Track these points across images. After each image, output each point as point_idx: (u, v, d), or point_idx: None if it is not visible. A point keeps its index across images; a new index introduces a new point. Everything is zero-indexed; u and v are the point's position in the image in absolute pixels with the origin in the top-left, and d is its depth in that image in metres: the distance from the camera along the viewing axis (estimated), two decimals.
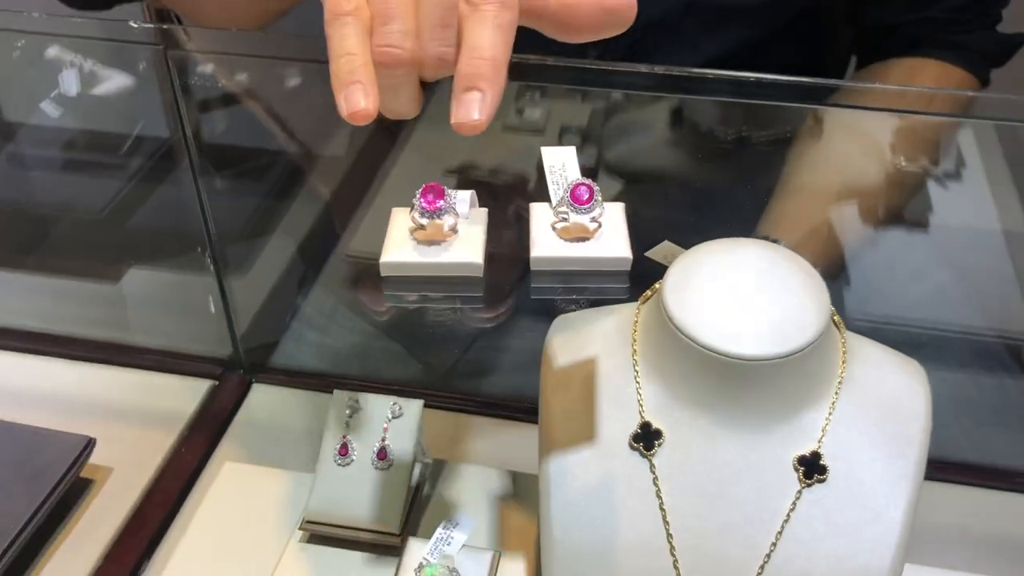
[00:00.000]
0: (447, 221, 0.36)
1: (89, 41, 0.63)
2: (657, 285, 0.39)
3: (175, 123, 0.50)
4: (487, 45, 0.29)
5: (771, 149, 0.57)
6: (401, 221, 0.38)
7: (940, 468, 0.50)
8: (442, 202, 0.36)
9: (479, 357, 0.58)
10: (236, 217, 0.66)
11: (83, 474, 0.55)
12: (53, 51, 0.71)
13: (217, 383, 0.62)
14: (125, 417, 0.59)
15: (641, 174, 0.57)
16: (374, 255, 0.39)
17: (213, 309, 0.59)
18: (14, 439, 0.55)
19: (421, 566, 0.41)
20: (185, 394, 0.61)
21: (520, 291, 0.47)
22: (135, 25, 0.48)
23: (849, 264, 0.61)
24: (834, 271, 0.61)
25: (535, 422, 0.41)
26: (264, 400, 0.61)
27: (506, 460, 0.52)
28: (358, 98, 0.29)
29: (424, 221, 0.36)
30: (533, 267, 0.39)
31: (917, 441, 0.38)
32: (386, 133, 0.69)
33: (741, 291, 0.37)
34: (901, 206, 0.64)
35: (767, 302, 0.37)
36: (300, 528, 0.47)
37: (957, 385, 0.57)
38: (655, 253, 0.41)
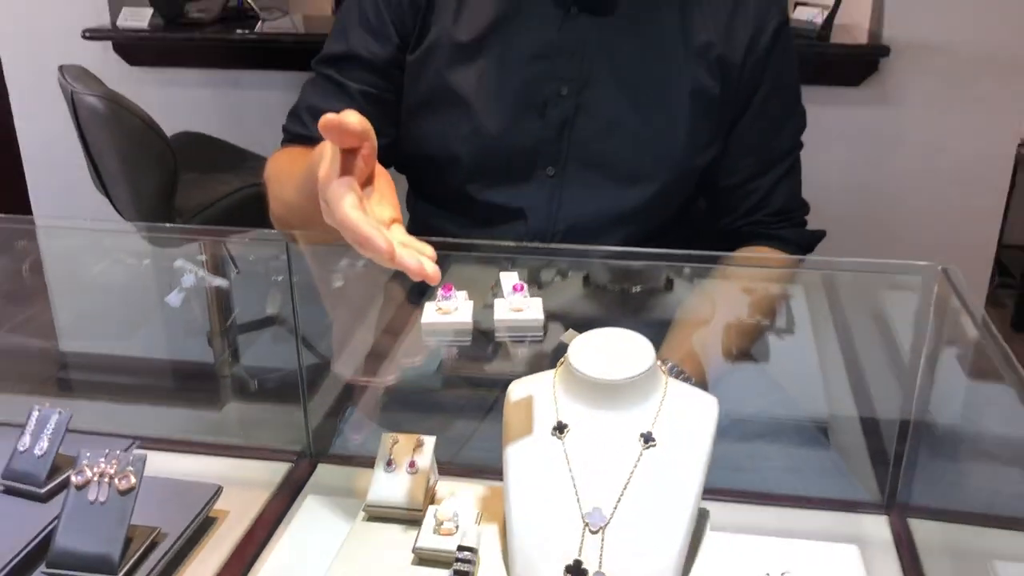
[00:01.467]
0: (452, 304, 0.71)
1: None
2: (567, 355, 0.72)
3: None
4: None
5: (653, 298, 0.93)
6: (429, 306, 0.74)
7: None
8: (452, 292, 0.70)
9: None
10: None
11: (211, 513, 0.85)
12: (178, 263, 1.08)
13: (293, 464, 0.93)
14: (236, 484, 0.90)
15: (566, 310, 0.91)
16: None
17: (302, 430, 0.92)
18: (173, 486, 0.85)
19: None
20: (275, 469, 0.92)
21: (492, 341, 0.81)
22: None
23: (711, 377, 0.95)
24: (703, 380, 0.94)
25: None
26: (325, 473, 0.92)
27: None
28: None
29: (443, 304, 0.71)
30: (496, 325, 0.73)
31: (706, 432, 0.70)
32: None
33: (608, 348, 0.71)
34: (747, 339, 0.99)
35: (621, 353, 0.70)
36: (364, 511, 0.77)
37: (775, 445, 0.89)
38: (566, 336, 0.74)
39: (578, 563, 0.66)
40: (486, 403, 0.92)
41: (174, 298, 1.11)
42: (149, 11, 2.23)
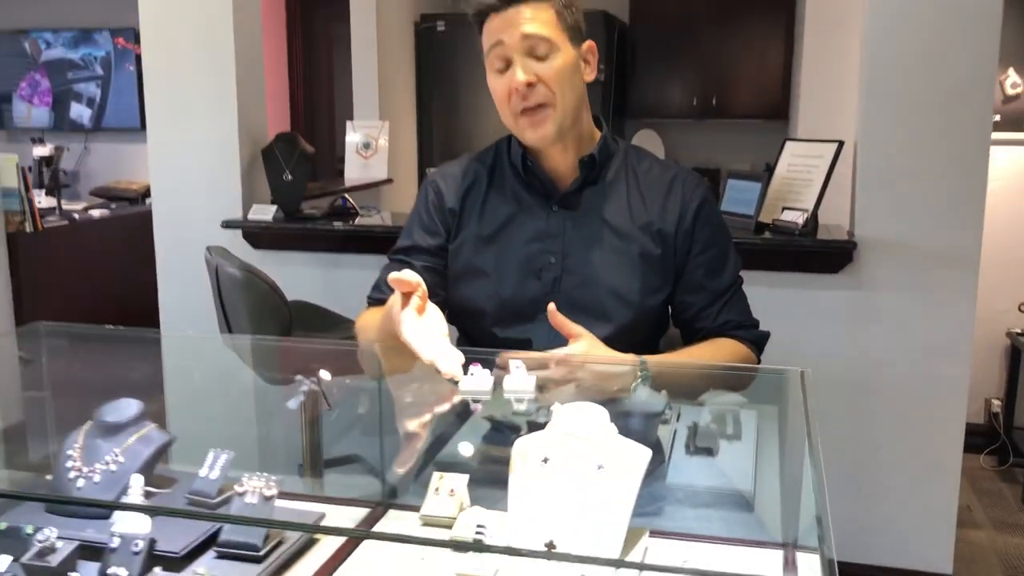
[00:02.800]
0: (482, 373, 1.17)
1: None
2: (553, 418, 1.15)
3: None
4: None
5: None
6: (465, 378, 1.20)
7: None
8: (478, 367, 1.16)
9: None
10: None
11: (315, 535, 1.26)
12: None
13: (370, 510, 1.34)
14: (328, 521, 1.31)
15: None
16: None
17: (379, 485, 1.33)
18: (296, 513, 1.27)
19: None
20: (357, 513, 1.33)
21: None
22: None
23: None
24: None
25: None
26: (394, 515, 1.33)
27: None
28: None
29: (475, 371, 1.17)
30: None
31: (639, 467, 1.11)
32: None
33: (577, 415, 1.14)
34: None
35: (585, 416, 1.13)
36: (420, 519, 1.18)
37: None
38: (554, 408, 1.17)
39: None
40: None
41: (293, 403, 1.57)
42: (273, 208, 2.84)
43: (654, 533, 1.14)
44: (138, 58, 5.94)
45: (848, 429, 2.49)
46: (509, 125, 1.51)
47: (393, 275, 1.21)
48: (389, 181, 3.61)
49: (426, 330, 1.24)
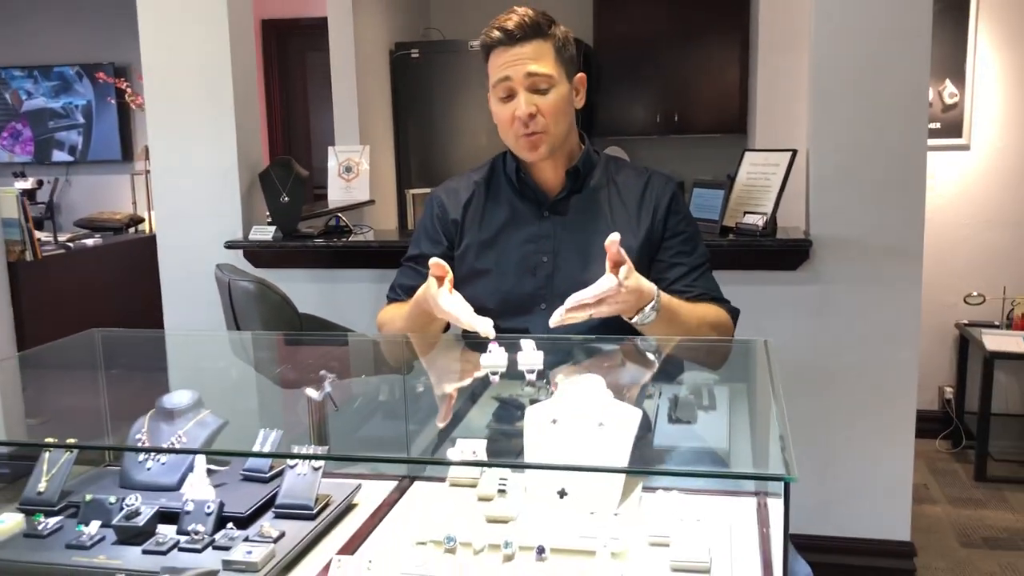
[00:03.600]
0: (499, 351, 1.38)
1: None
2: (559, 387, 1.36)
3: None
4: None
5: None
6: (484, 355, 1.41)
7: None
8: (495, 345, 1.37)
9: None
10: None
11: (355, 500, 1.45)
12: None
13: (398, 482, 1.54)
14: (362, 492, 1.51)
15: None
16: None
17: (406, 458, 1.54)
18: (336, 484, 1.46)
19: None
20: (387, 485, 1.53)
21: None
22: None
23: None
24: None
25: None
26: (418, 489, 1.52)
27: None
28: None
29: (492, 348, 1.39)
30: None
31: (632, 423, 1.32)
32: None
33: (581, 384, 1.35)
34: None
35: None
36: (448, 480, 1.38)
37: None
38: (559, 379, 1.39)
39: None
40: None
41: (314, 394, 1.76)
42: (272, 228, 3.03)
43: (645, 488, 1.35)
44: (119, 91, 6.10)
45: (811, 412, 2.73)
46: (509, 144, 1.75)
47: (433, 260, 1.56)
48: (371, 202, 3.81)
49: (459, 304, 1.55)
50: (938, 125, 3.90)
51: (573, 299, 1.49)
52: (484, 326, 1.51)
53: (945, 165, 3.96)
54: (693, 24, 4.98)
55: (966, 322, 3.95)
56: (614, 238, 1.48)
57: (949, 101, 3.93)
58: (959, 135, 3.94)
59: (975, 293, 3.92)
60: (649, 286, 1.56)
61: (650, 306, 1.55)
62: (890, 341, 2.67)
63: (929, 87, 2.62)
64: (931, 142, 2.68)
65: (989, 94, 3.93)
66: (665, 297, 1.60)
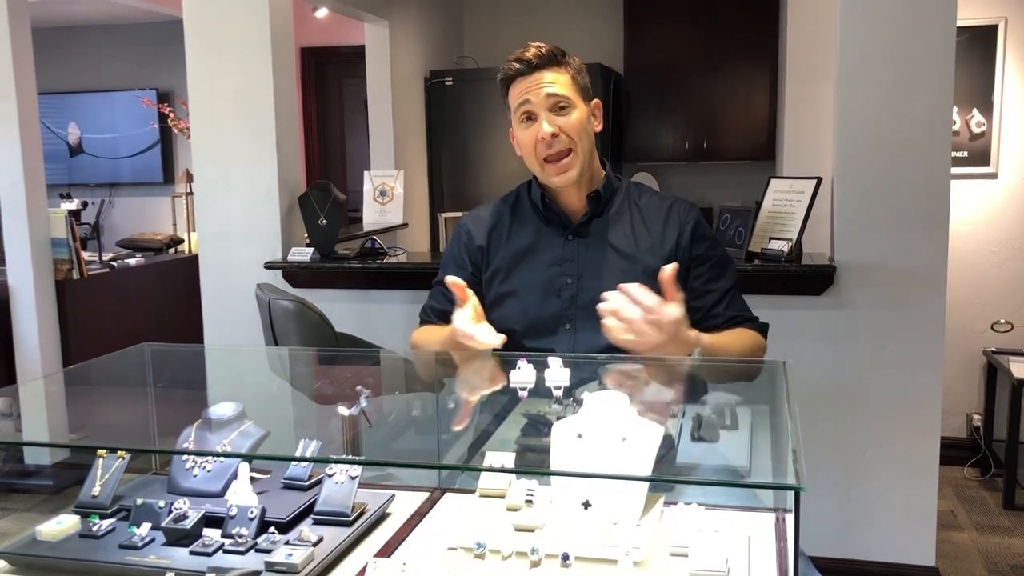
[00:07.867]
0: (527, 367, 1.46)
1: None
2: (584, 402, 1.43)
3: None
4: None
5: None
6: (514, 371, 1.48)
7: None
8: (524, 362, 1.44)
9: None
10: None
11: (388, 510, 1.52)
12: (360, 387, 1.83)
13: (430, 493, 1.61)
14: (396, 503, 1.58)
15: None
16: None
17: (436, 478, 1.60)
18: (371, 494, 1.54)
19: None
20: (419, 496, 1.60)
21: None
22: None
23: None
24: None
25: None
26: (449, 500, 1.59)
27: None
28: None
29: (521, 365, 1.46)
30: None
31: (654, 439, 1.38)
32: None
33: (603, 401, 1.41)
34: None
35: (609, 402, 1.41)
36: (477, 492, 1.44)
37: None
38: (584, 396, 1.45)
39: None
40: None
41: (350, 408, 1.84)
42: (310, 250, 3.13)
43: (666, 503, 1.41)
44: (161, 115, 6.29)
45: (835, 436, 2.76)
46: (535, 171, 1.82)
47: (449, 278, 1.68)
48: (405, 225, 3.90)
49: (463, 318, 1.65)
50: (965, 153, 3.93)
51: (629, 289, 1.57)
52: (483, 335, 1.61)
53: (973, 193, 3.98)
54: (722, 51, 5.05)
55: (994, 349, 3.96)
56: (669, 271, 1.57)
57: (976, 130, 3.96)
58: (987, 163, 3.97)
59: (1003, 321, 3.92)
60: (690, 337, 1.62)
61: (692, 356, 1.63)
62: (914, 366, 2.70)
63: (953, 116, 2.67)
64: (958, 170, 2.73)
65: (1016, 123, 3.96)
66: (706, 341, 1.67)
